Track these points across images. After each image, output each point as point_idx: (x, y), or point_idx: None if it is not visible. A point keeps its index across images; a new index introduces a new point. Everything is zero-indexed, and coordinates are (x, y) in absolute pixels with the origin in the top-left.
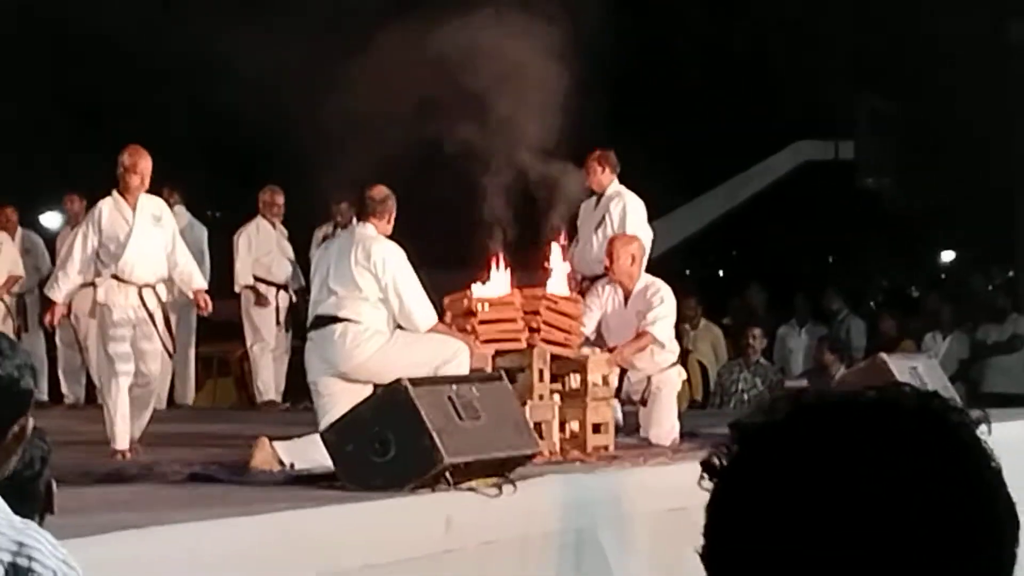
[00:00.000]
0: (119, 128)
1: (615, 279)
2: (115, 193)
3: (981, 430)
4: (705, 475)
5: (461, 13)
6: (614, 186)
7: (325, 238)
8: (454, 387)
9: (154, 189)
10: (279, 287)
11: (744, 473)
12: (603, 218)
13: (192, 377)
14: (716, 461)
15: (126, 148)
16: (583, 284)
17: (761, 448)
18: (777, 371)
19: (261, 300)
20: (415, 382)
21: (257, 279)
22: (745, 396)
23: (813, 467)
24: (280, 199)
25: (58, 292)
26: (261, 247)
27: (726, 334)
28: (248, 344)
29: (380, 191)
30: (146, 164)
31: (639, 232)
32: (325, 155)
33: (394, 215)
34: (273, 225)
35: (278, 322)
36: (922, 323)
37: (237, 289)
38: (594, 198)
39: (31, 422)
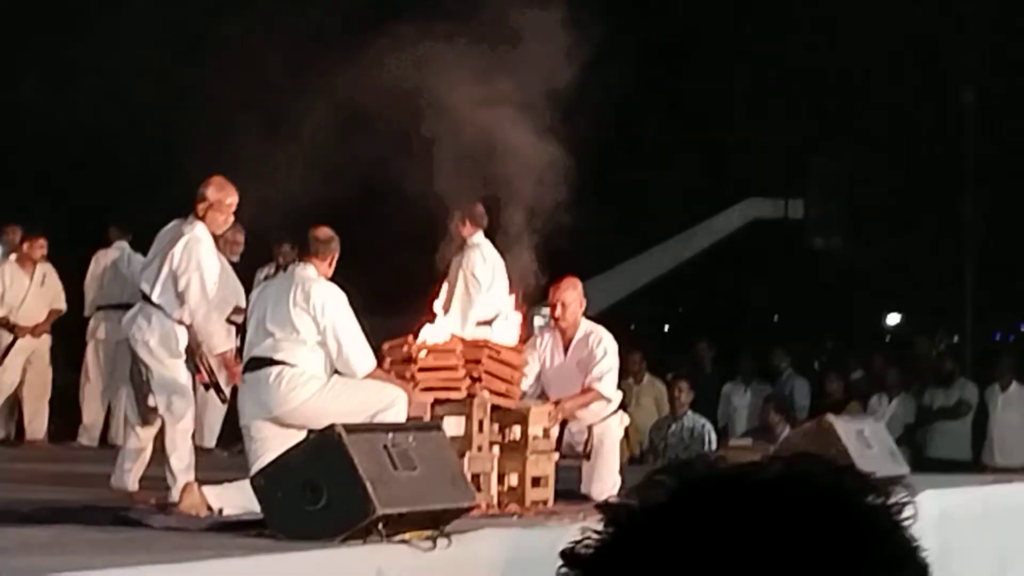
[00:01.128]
0: None
1: (563, 327)
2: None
3: (907, 514)
4: (566, 567)
5: (416, 48)
6: (475, 238)
7: (266, 279)
8: (390, 435)
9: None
10: (238, 327)
11: (613, 566)
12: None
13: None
14: (582, 550)
15: (213, 179)
16: None
17: (635, 536)
18: (703, 425)
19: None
20: (349, 428)
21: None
22: (673, 452)
23: (695, 561)
24: (241, 237)
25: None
26: (223, 286)
27: (668, 390)
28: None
29: (325, 232)
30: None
31: (470, 289)
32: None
33: (336, 258)
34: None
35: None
36: (867, 385)
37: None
38: None
39: None
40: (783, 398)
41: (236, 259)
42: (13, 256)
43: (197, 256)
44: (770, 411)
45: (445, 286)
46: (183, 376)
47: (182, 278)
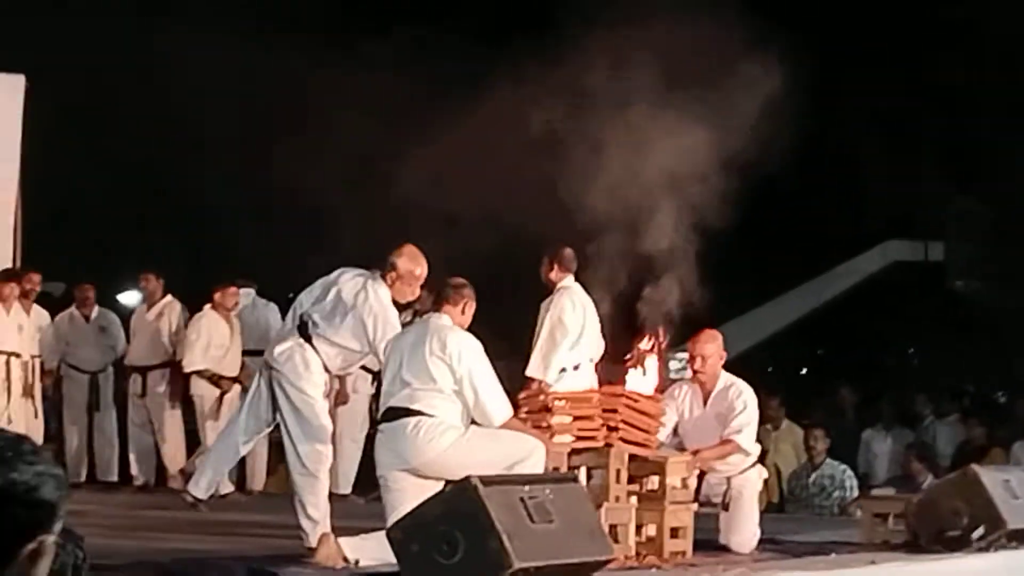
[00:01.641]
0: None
1: (702, 380)
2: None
3: None
4: None
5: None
6: (565, 282)
7: (404, 326)
8: (526, 487)
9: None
10: (375, 374)
11: None
12: (541, 314)
13: (264, 461)
14: None
15: (404, 249)
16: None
17: None
18: (844, 471)
19: (341, 395)
20: (485, 481)
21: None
22: (815, 500)
23: None
24: None
25: None
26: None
27: (805, 437)
28: (339, 432)
29: (457, 280)
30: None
31: (555, 334)
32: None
33: (472, 306)
34: None
35: (369, 410)
36: (1010, 430)
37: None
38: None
39: (51, 539)
40: (925, 445)
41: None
42: (208, 306)
43: (392, 315)
44: (912, 459)
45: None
46: (328, 421)
47: (377, 331)
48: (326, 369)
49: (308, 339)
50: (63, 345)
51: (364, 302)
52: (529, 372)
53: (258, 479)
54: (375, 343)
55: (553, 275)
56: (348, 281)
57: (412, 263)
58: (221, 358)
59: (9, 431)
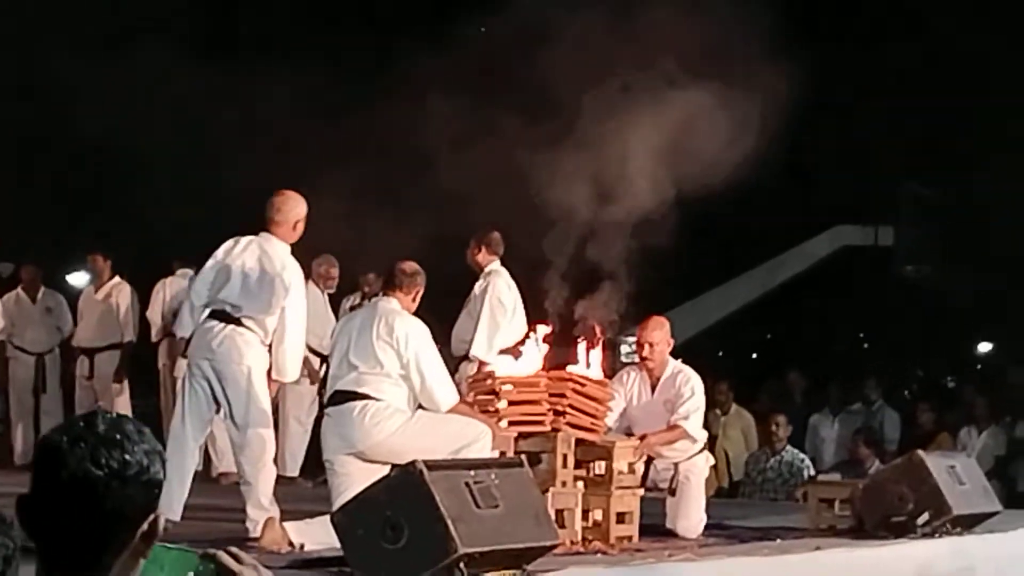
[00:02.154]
0: None
1: (650, 367)
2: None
3: None
4: None
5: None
6: (492, 266)
7: (352, 309)
8: (472, 472)
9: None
10: (324, 358)
11: None
12: (469, 298)
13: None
14: None
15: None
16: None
17: None
18: (803, 460)
19: (312, 375)
20: (431, 465)
21: (309, 349)
22: (771, 486)
23: None
24: (335, 271)
25: None
26: (314, 316)
27: (757, 420)
28: (283, 414)
29: (411, 266)
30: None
31: (496, 315)
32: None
33: (420, 293)
34: (324, 295)
35: (317, 394)
36: (958, 416)
37: None
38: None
39: (163, 518)
40: (872, 430)
41: (332, 291)
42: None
43: (299, 278)
44: (860, 444)
45: (462, 314)
46: (268, 404)
47: (282, 300)
48: (266, 346)
49: (237, 322)
50: (9, 326)
51: (271, 264)
52: (474, 352)
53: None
54: (291, 305)
55: (481, 258)
56: (243, 252)
57: (295, 207)
58: None
59: (109, 412)
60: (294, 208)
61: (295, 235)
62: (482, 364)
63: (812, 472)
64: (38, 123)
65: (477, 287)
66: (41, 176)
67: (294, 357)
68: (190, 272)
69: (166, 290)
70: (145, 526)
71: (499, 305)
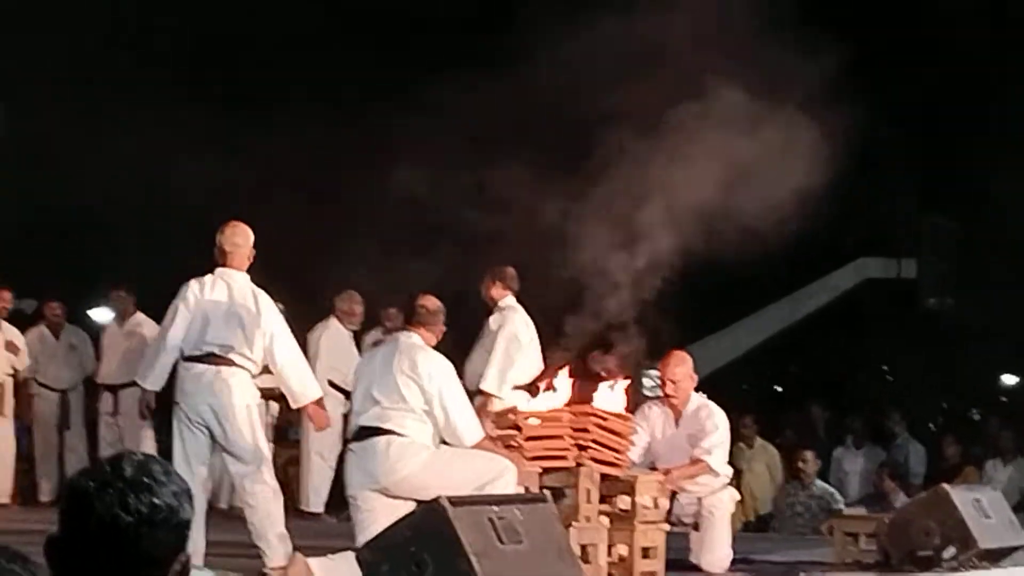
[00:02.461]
0: None
1: (674, 402)
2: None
3: None
4: None
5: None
6: (506, 301)
7: (375, 344)
8: (495, 508)
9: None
10: (345, 393)
11: None
12: (483, 332)
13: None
14: None
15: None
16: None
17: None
18: (832, 494)
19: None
20: (454, 501)
21: (331, 384)
22: (799, 520)
23: None
24: (359, 308)
25: None
26: (337, 352)
27: (781, 454)
28: (305, 450)
29: (433, 302)
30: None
31: (511, 348)
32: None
33: (442, 331)
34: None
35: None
36: (984, 449)
37: None
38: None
39: (191, 558)
40: (897, 464)
41: (356, 328)
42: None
43: (269, 302)
44: (884, 477)
45: (476, 348)
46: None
47: (267, 335)
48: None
49: (228, 362)
50: (33, 363)
51: (242, 297)
52: (485, 387)
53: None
54: (273, 331)
55: (495, 292)
56: (213, 292)
57: (248, 237)
58: None
59: (135, 453)
60: (247, 238)
61: (247, 263)
62: (488, 398)
63: (842, 505)
64: (61, 160)
65: (492, 322)
66: (63, 211)
67: (302, 377)
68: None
69: None
70: (176, 566)
71: (515, 341)
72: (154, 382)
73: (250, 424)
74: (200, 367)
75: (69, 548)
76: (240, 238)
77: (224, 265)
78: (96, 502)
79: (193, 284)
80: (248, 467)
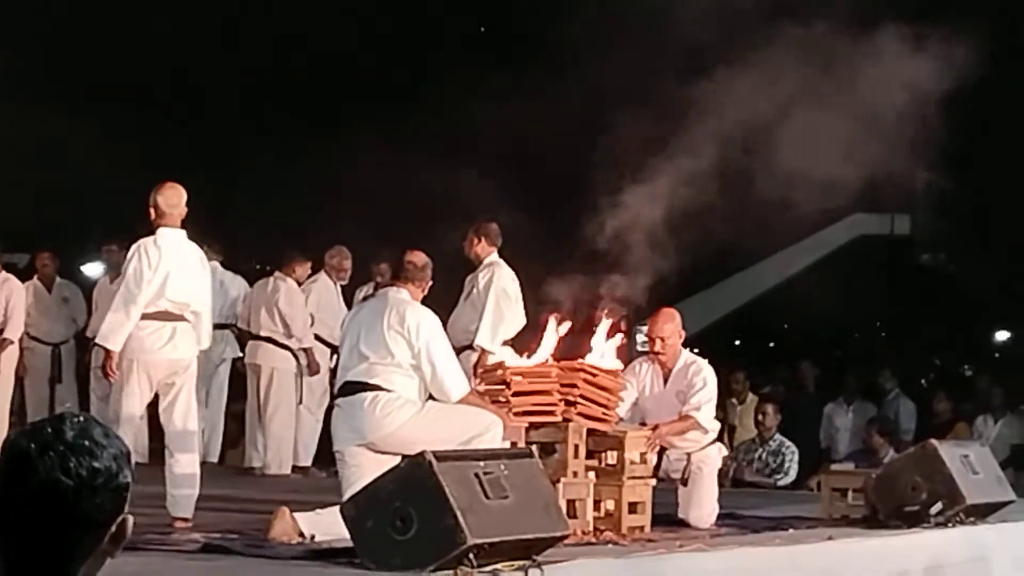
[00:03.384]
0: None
1: (662, 359)
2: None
3: None
4: None
5: None
6: (491, 258)
7: (366, 299)
8: (481, 463)
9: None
10: (334, 349)
11: None
12: (471, 288)
13: (220, 434)
14: None
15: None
16: None
17: None
18: (789, 447)
19: (313, 366)
20: (440, 456)
21: (316, 337)
22: (762, 476)
23: None
24: (347, 263)
25: None
26: (326, 307)
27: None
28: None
29: (420, 257)
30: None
31: (501, 303)
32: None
33: (429, 285)
34: (336, 287)
35: (329, 384)
36: (975, 405)
37: (295, 346)
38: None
39: (131, 520)
40: (887, 420)
41: (344, 283)
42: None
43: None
44: (874, 433)
45: (461, 303)
46: None
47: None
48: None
49: (181, 318)
50: (25, 316)
51: (189, 257)
52: (479, 342)
53: (212, 451)
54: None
55: (480, 249)
56: (164, 253)
57: (182, 197)
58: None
59: (76, 415)
60: (182, 197)
61: (180, 220)
62: (484, 354)
63: (796, 458)
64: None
65: (481, 277)
66: (56, 164)
67: (208, 327)
68: (217, 264)
69: None
70: (113, 528)
71: (504, 296)
72: (118, 343)
73: (199, 376)
74: (154, 324)
75: (7, 510)
76: (176, 198)
77: (163, 225)
78: (37, 464)
79: (143, 246)
80: (188, 417)
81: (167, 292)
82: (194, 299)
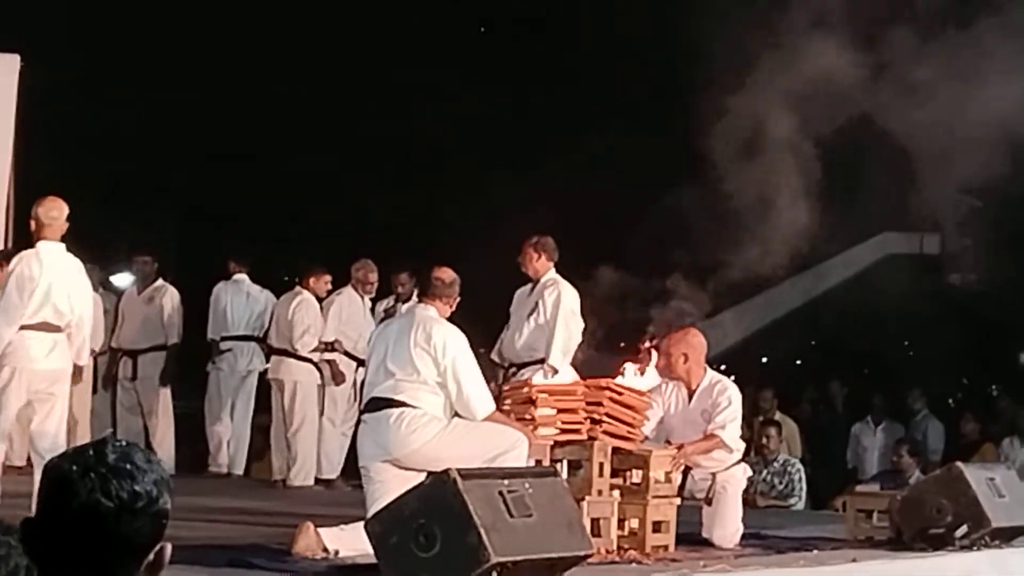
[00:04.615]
0: None
1: (673, 378)
2: None
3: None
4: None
5: None
6: (550, 274)
7: (386, 311)
8: (506, 481)
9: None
10: (359, 362)
11: None
12: (536, 305)
13: (246, 446)
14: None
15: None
16: (509, 371)
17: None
18: (795, 465)
19: (337, 376)
20: (464, 474)
21: (343, 352)
22: (768, 499)
23: None
24: (374, 277)
25: None
26: (349, 320)
27: (800, 428)
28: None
29: (448, 274)
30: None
31: (570, 322)
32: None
33: (457, 302)
34: (362, 300)
35: (354, 398)
36: (1001, 426)
37: (316, 358)
38: (529, 285)
39: (168, 548)
40: (915, 440)
41: (371, 296)
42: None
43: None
44: (903, 453)
45: (524, 320)
46: None
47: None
48: None
49: (58, 330)
50: None
51: (68, 269)
52: (552, 362)
53: (238, 463)
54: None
55: (539, 264)
56: (45, 267)
57: (63, 210)
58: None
59: (119, 440)
60: (63, 211)
61: (60, 234)
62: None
63: (803, 475)
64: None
65: (547, 295)
66: (86, 174)
67: (86, 337)
68: (245, 276)
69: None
70: (151, 556)
71: (572, 315)
72: None
73: (71, 387)
74: (39, 334)
75: (47, 532)
76: (56, 211)
77: (43, 237)
78: (78, 486)
79: (24, 258)
80: (61, 426)
81: (48, 304)
82: (74, 311)
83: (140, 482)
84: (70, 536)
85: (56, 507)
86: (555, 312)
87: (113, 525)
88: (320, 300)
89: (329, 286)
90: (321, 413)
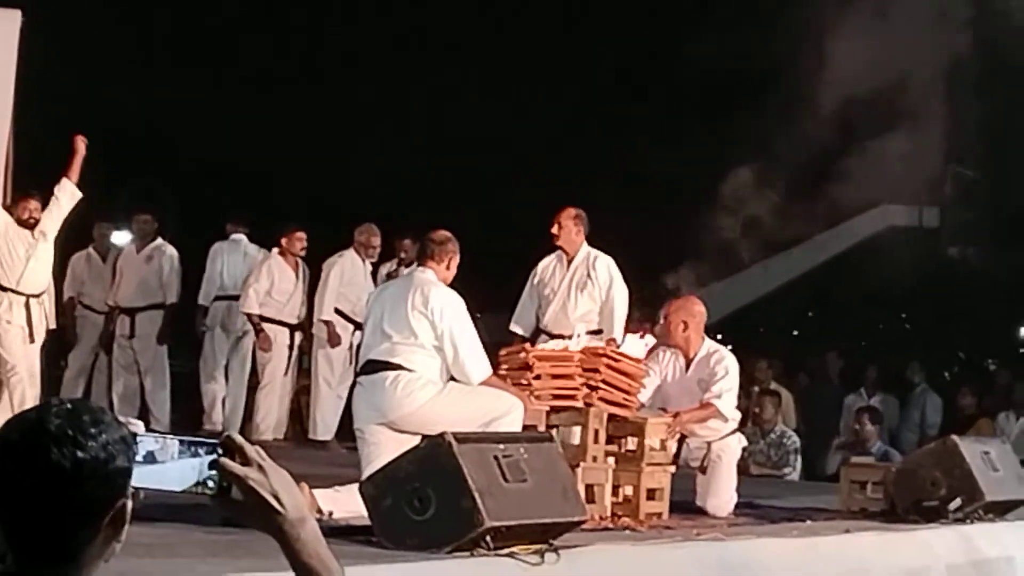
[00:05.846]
0: None
1: (671, 345)
2: None
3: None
4: None
5: None
6: (586, 247)
7: (389, 276)
8: (501, 446)
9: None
10: (357, 325)
11: None
12: (587, 278)
13: (242, 406)
14: None
15: None
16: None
17: None
18: (790, 437)
19: (333, 339)
20: (460, 438)
21: (338, 312)
22: (764, 469)
23: None
24: (377, 240)
25: None
26: (350, 283)
27: (795, 398)
28: (314, 378)
29: (440, 234)
30: None
31: (622, 292)
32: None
33: (456, 260)
34: (364, 264)
35: (351, 360)
36: (998, 400)
37: (314, 320)
38: (562, 258)
39: (130, 504)
40: (874, 409)
41: (374, 260)
42: (276, 251)
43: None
44: (864, 422)
45: (573, 291)
46: None
47: None
48: None
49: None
50: (79, 285)
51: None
52: (614, 333)
53: (233, 423)
54: None
55: (578, 238)
56: None
57: None
58: (284, 305)
59: (65, 403)
60: None
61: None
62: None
63: (798, 445)
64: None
65: (599, 267)
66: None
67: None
68: (243, 236)
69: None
70: (112, 513)
71: (622, 287)
72: None
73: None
74: None
75: (3, 500)
76: None
77: None
78: (21, 455)
79: None
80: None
81: None
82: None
83: (85, 448)
84: (21, 503)
85: (6, 476)
86: (608, 283)
87: (61, 493)
88: (298, 259)
89: (304, 243)
90: (315, 376)
